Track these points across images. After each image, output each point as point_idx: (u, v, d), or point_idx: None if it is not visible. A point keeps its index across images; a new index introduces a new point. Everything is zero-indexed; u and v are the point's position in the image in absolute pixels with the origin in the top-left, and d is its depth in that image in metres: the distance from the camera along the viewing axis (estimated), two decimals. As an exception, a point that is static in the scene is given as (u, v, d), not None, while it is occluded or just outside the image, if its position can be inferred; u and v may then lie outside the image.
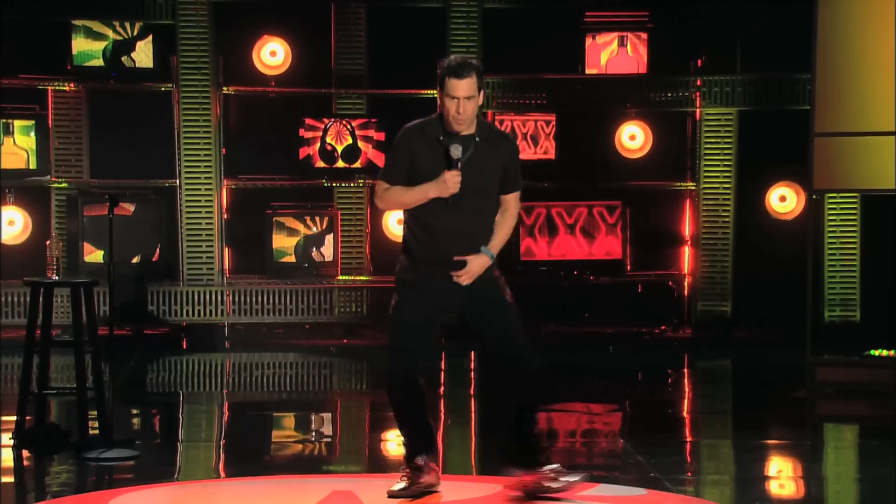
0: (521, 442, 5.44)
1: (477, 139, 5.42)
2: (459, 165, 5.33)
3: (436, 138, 5.42)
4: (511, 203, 5.52)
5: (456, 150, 5.34)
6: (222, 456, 7.04)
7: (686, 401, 9.50)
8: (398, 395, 5.44)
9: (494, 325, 5.45)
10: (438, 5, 12.05)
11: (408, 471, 5.45)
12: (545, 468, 5.41)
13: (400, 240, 13.47)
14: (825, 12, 8.80)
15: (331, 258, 11.84)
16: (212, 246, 11.86)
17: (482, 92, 5.38)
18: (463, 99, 5.30)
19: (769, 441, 7.49)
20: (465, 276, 5.38)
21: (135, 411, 8.30)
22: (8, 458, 6.58)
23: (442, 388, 9.37)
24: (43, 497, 5.74)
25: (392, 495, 5.41)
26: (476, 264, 5.40)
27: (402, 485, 5.43)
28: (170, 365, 10.87)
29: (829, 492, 6.15)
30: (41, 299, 6.84)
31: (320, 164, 11.92)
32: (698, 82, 12.10)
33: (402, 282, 5.51)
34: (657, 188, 12.32)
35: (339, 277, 12.01)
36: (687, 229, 12.32)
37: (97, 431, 6.74)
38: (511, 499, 5.44)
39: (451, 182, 5.32)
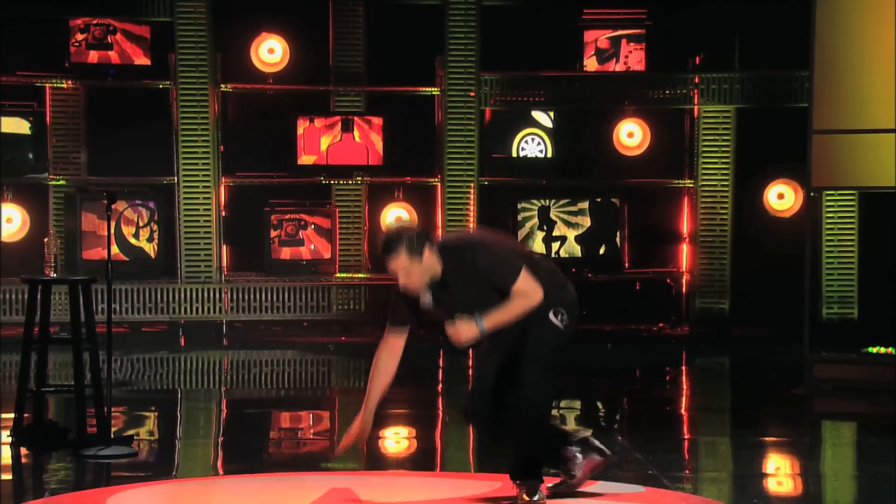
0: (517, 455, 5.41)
1: (443, 273, 5.30)
2: (430, 302, 5.30)
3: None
4: (514, 294, 5.25)
5: (424, 298, 5.30)
6: (220, 453, 7.04)
7: (684, 398, 9.50)
8: (473, 428, 5.40)
9: (518, 360, 5.34)
10: (437, 2, 12.05)
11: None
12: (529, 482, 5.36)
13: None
14: (823, 9, 8.80)
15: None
16: (210, 243, 11.86)
17: (426, 249, 5.22)
18: (401, 273, 5.23)
19: (767, 438, 7.49)
20: (453, 335, 5.24)
21: (133, 409, 8.29)
22: (6, 456, 6.58)
23: (440, 386, 9.37)
24: (41, 494, 5.74)
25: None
26: (462, 326, 5.23)
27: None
28: (168, 362, 10.86)
29: (827, 489, 6.15)
30: (39, 297, 6.83)
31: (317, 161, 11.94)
32: (696, 80, 12.10)
33: None
34: (655, 186, 12.33)
35: (338, 275, 12.01)
36: (685, 227, 12.32)
37: (95, 429, 6.73)
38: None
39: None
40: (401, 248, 5.21)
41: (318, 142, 11.91)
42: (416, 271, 5.21)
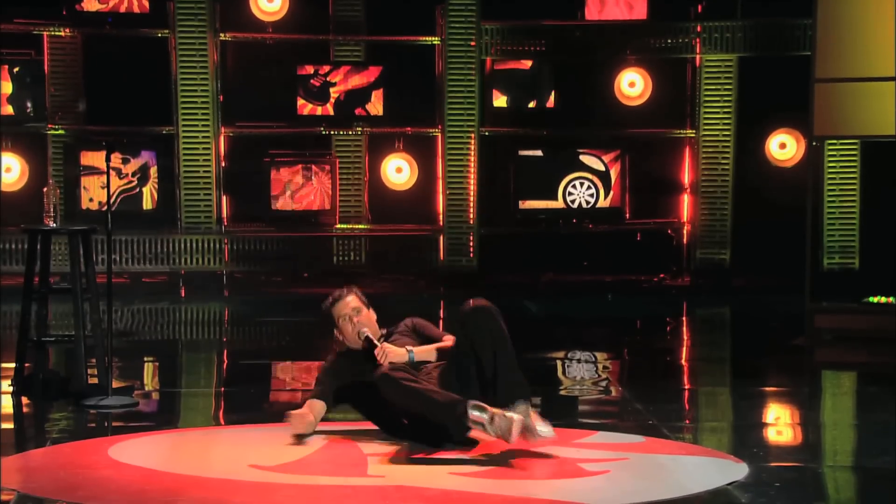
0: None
1: (383, 333, 5.79)
2: (370, 345, 5.62)
3: (354, 358, 5.69)
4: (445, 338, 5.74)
5: (361, 335, 5.66)
6: (221, 404, 7.06)
7: (684, 348, 9.52)
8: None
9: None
10: (436, -49, 11.95)
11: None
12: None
13: (398, 188, 13.44)
14: (827, -44, 8.72)
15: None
16: (210, 194, 11.83)
17: (370, 308, 5.77)
18: (351, 313, 5.69)
19: (767, 388, 7.50)
20: (381, 355, 5.58)
21: (134, 359, 8.31)
22: (7, 405, 6.59)
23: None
24: (42, 444, 5.75)
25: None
26: (391, 348, 5.61)
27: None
28: (168, 313, 10.87)
29: (827, 438, 6.17)
30: (39, 246, 6.82)
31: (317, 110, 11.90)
32: (698, 28, 12.02)
33: None
34: (656, 136, 12.28)
35: (338, 226, 11.99)
36: (686, 177, 12.29)
37: (96, 379, 6.74)
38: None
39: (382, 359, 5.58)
40: (353, 292, 5.76)
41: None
42: (365, 314, 5.72)
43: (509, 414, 5.21)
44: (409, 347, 5.64)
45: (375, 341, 5.65)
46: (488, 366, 5.42)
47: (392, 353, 5.58)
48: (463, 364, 5.48)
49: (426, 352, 5.65)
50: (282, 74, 11.87)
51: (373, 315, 5.77)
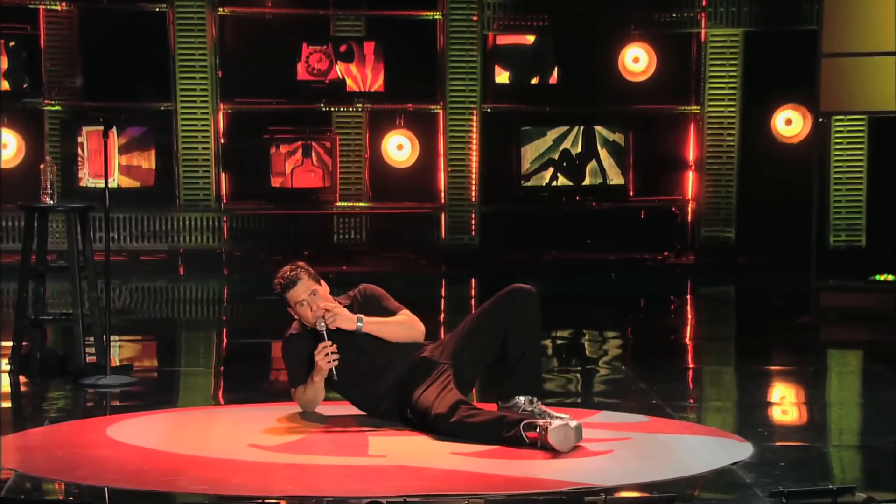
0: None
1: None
2: (325, 336, 5.46)
3: (315, 335, 5.52)
4: (399, 314, 5.61)
5: (319, 325, 5.48)
6: (220, 383, 7.01)
7: (689, 327, 9.48)
8: None
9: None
10: (438, -76, 11.85)
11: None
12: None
13: (399, 165, 13.36)
14: (834, -71, 8.63)
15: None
16: (208, 171, 11.76)
17: (321, 282, 5.59)
18: (308, 298, 5.50)
19: (772, 367, 7.46)
20: (331, 315, 5.46)
21: (132, 338, 8.26)
22: (5, 384, 6.56)
23: (442, 316, 9.33)
24: (40, 423, 5.72)
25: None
26: (345, 312, 5.49)
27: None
28: (167, 291, 10.82)
29: (832, 417, 6.13)
30: (36, 224, 6.76)
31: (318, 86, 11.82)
32: (703, 2, 11.93)
33: None
34: (661, 112, 12.19)
35: (338, 203, 11.92)
36: (691, 154, 12.21)
37: (94, 358, 6.69)
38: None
39: (318, 358, 5.42)
40: (302, 275, 5.51)
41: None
42: (321, 294, 5.52)
43: (556, 422, 4.95)
44: (360, 316, 5.48)
45: (325, 334, 5.45)
46: (516, 349, 5.30)
47: (343, 317, 5.43)
48: (490, 341, 5.34)
49: (378, 325, 5.47)
50: (281, 50, 11.77)
51: (326, 289, 5.57)
